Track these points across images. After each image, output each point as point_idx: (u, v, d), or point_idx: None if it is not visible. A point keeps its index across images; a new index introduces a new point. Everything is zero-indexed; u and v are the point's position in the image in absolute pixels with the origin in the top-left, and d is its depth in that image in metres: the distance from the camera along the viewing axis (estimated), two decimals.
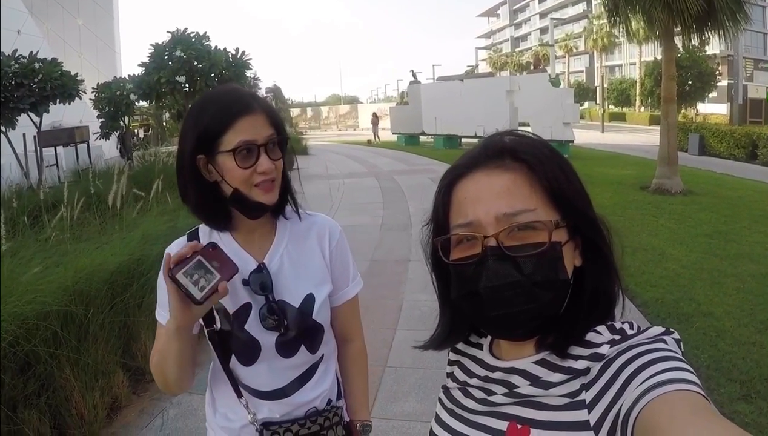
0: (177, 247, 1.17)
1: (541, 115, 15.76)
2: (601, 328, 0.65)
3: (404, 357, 3.72)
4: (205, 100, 1.11)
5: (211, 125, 1.06)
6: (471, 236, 0.66)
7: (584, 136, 23.57)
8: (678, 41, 10.99)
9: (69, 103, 8.82)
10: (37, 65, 8.07)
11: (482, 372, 0.74)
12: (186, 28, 10.58)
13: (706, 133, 19.48)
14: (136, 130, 19.18)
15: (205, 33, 10.65)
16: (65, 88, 8.35)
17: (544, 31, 61.23)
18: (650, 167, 11.34)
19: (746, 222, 7.51)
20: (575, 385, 0.63)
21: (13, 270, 2.91)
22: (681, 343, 0.64)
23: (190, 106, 1.14)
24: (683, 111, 27.34)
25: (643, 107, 38.71)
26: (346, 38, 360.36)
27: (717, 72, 28.29)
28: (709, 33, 9.71)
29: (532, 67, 28.98)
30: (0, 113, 7.76)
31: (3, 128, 8.08)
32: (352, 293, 1.30)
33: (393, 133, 25.09)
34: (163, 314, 1.18)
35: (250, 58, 11.08)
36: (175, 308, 0.97)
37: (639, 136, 27.58)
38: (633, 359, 0.59)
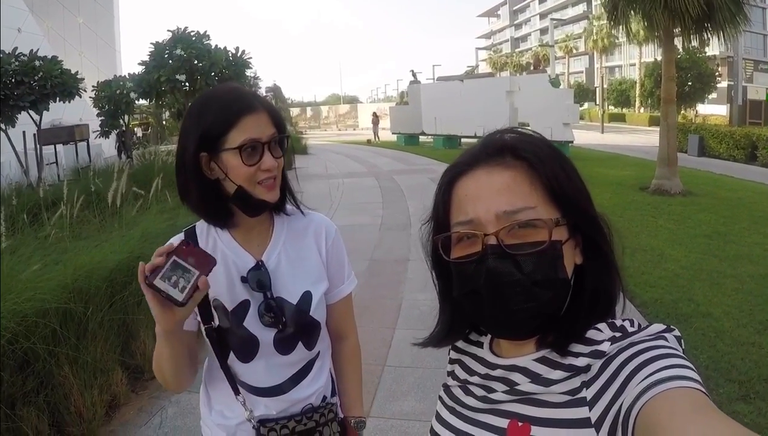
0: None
1: (541, 115, 15.74)
2: (602, 325, 0.65)
3: (403, 356, 3.72)
4: (206, 99, 1.11)
5: (215, 123, 1.07)
6: (471, 233, 0.66)
7: (584, 137, 23.57)
8: (678, 42, 10.99)
9: (69, 102, 8.80)
10: (37, 63, 8.04)
11: (483, 370, 0.74)
12: (186, 27, 10.58)
13: (706, 134, 19.48)
14: (134, 129, 19.13)
15: (206, 32, 10.64)
16: (65, 86, 8.33)
17: (544, 31, 61.23)
18: (650, 168, 11.35)
19: (745, 223, 7.52)
20: (576, 382, 0.63)
21: (13, 267, 2.91)
22: (682, 340, 0.64)
23: (190, 105, 1.15)
24: (683, 112, 27.36)
25: (642, 108, 38.73)
26: (346, 38, 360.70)
27: (717, 73, 28.32)
28: (709, 34, 9.72)
29: (532, 68, 28.96)
30: (0, 111, 7.74)
31: (3, 126, 8.06)
32: (347, 290, 1.31)
33: (393, 133, 25.09)
34: None
35: (251, 58, 11.07)
36: (158, 313, 0.95)
37: (638, 137, 27.59)
38: (634, 357, 0.59)
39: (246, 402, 1.17)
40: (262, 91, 20.96)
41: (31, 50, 8.21)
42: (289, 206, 1.24)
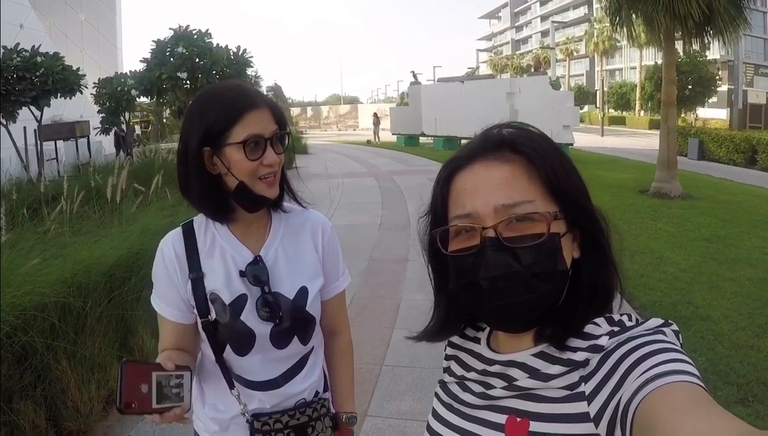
0: (171, 239, 1.19)
1: (541, 117, 15.70)
2: (600, 320, 0.65)
3: (401, 356, 3.72)
4: (210, 95, 1.13)
5: (219, 118, 1.08)
6: (470, 227, 0.66)
7: (584, 140, 23.58)
8: (679, 46, 11.00)
9: (70, 98, 8.81)
10: (39, 59, 8.05)
11: (480, 366, 0.74)
12: (188, 25, 10.59)
13: (706, 137, 19.50)
14: (134, 127, 19.13)
15: (207, 30, 10.66)
16: (67, 82, 8.34)
17: (545, 34, 61.25)
18: (649, 171, 11.36)
19: (745, 227, 7.53)
20: (574, 377, 0.63)
21: (12, 261, 2.91)
22: (680, 335, 0.64)
23: (192, 101, 1.16)
24: (683, 116, 27.36)
25: (642, 111, 38.76)
26: (346, 38, 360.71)
27: (717, 77, 28.32)
28: (709, 38, 9.73)
29: (532, 70, 28.95)
30: (1, 106, 7.75)
31: (4, 121, 8.07)
32: (341, 287, 1.33)
33: (393, 134, 25.10)
34: (159, 303, 1.20)
35: (252, 56, 11.09)
36: (175, 418, 1.00)
37: (638, 140, 27.61)
38: (632, 351, 0.59)
39: (240, 396, 1.18)
40: (263, 91, 20.95)
41: (33, 46, 8.21)
42: (286, 204, 1.26)
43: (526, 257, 0.63)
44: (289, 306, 1.18)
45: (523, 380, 0.66)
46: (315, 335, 1.27)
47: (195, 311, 1.16)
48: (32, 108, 8.30)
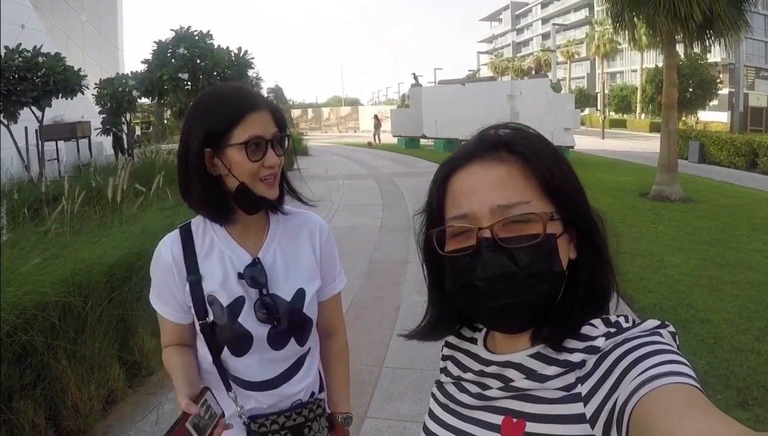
0: (168, 242, 1.20)
1: (542, 120, 15.76)
2: (597, 321, 0.66)
3: (401, 358, 3.72)
4: (211, 96, 1.13)
5: (221, 119, 1.08)
6: (466, 227, 0.66)
7: (584, 143, 23.59)
8: (680, 49, 11.00)
9: (71, 98, 8.83)
10: (40, 60, 8.07)
11: (477, 366, 0.74)
12: (189, 26, 10.60)
13: (707, 141, 19.49)
14: (135, 128, 19.15)
15: (209, 31, 10.67)
16: (68, 83, 8.36)
17: (546, 36, 61.38)
18: (650, 174, 11.34)
19: (745, 230, 7.52)
20: (571, 378, 0.63)
21: (13, 261, 2.92)
22: (677, 336, 0.64)
23: (193, 102, 1.17)
24: (684, 119, 27.36)
25: (643, 114, 38.73)
26: (347, 39, 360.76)
27: (718, 80, 28.33)
28: (711, 41, 9.73)
29: (533, 73, 28.95)
30: (2, 106, 7.76)
31: (5, 121, 8.09)
32: (337, 288, 1.34)
33: (393, 136, 25.08)
34: (157, 302, 1.20)
35: (253, 58, 11.10)
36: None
37: (639, 142, 27.60)
38: (628, 352, 0.59)
39: (237, 398, 1.19)
40: (264, 92, 20.97)
41: (35, 47, 8.23)
42: (285, 206, 1.26)
43: (522, 257, 0.63)
44: (286, 308, 1.19)
45: (520, 380, 0.66)
46: (312, 337, 1.27)
47: (193, 313, 1.17)
48: (33, 108, 8.32)
